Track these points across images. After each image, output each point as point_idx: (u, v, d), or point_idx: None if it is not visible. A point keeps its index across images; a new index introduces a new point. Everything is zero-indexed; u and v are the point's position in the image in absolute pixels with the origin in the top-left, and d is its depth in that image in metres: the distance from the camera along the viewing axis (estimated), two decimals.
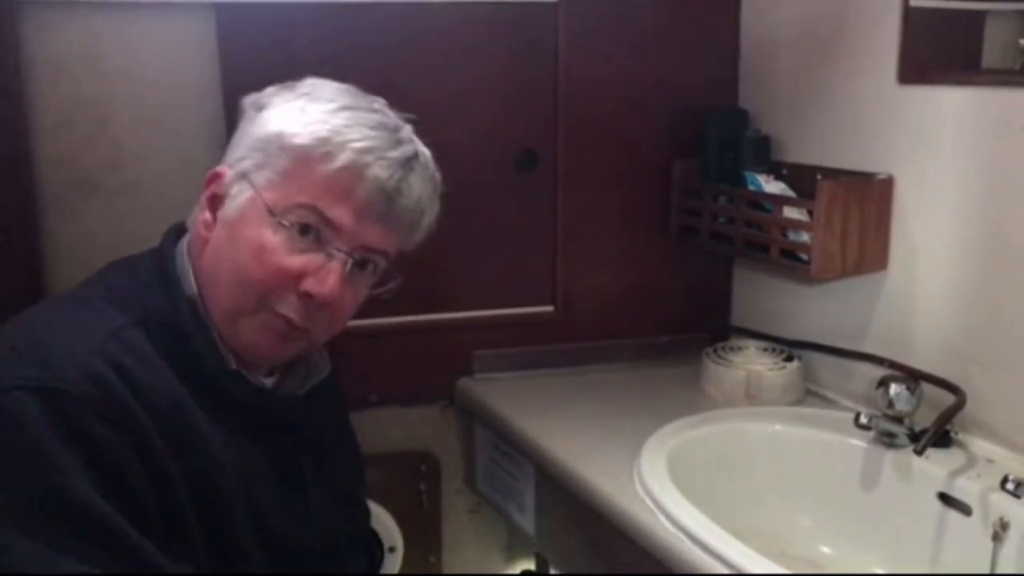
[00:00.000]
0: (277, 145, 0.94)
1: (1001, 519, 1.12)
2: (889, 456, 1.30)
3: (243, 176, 0.96)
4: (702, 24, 1.65)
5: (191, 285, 0.97)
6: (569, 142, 1.59)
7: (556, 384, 1.61)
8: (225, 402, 0.95)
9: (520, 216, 1.61)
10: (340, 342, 1.08)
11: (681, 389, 1.57)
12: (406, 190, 0.97)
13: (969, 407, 1.25)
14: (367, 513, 1.26)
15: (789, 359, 1.54)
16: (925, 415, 1.27)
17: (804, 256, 1.41)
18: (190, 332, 0.94)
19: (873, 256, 1.41)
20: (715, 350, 1.58)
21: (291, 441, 1.05)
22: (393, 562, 1.56)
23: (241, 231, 0.95)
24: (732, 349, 1.59)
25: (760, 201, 1.50)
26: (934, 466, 1.24)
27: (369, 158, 0.94)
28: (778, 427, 1.41)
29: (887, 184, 1.39)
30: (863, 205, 1.38)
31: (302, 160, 0.94)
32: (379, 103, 1.01)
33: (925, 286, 1.37)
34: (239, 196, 0.96)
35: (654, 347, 1.72)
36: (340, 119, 0.95)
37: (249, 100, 1.01)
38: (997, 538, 1.13)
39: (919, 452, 1.21)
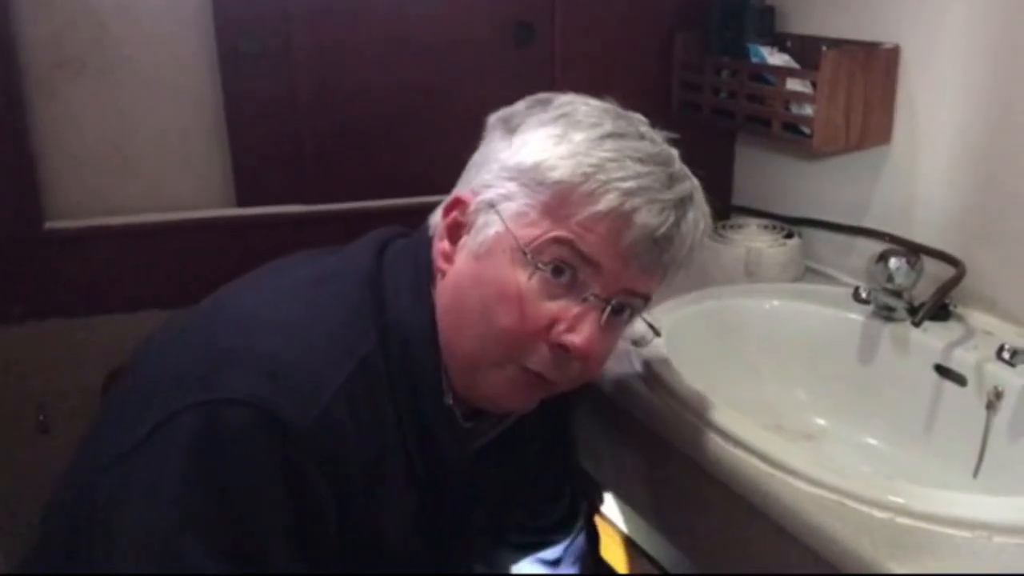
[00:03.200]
0: (532, 178, 0.82)
1: (995, 388, 1.13)
2: (887, 329, 1.30)
3: (491, 206, 0.83)
4: None
5: (429, 313, 0.86)
6: (568, 15, 1.54)
7: None
8: (424, 444, 0.86)
9: (517, 93, 1.56)
10: None
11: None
12: (678, 238, 0.84)
13: (968, 280, 1.25)
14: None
15: (789, 236, 1.53)
16: (925, 289, 1.27)
17: (806, 130, 1.38)
18: (424, 359, 0.85)
19: (877, 129, 1.38)
20: (715, 228, 1.57)
21: (470, 485, 0.94)
22: None
23: (487, 269, 0.83)
24: (732, 227, 1.57)
25: (763, 74, 1.46)
26: (932, 338, 1.24)
27: (638, 201, 0.81)
28: (776, 302, 1.41)
29: (893, 54, 1.35)
30: (868, 76, 1.35)
31: (561, 196, 0.81)
32: (644, 125, 0.88)
33: (928, 160, 1.34)
34: (486, 229, 0.83)
35: None
36: (605, 150, 0.81)
37: (497, 118, 0.89)
38: (991, 407, 1.14)
39: (917, 323, 1.21)
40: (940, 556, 0.85)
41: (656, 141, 0.87)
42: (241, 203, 1.47)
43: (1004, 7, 1.20)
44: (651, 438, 1.13)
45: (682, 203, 0.85)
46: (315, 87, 1.44)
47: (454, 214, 0.87)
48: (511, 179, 0.83)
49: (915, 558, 0.84)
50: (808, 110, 1.37)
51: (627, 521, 1.34)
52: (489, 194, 0.84)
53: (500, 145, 0.86)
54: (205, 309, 0.85)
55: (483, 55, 1.52)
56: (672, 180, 0.84)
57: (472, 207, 0.85)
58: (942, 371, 1.22)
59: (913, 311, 1.27)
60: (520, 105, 0.89)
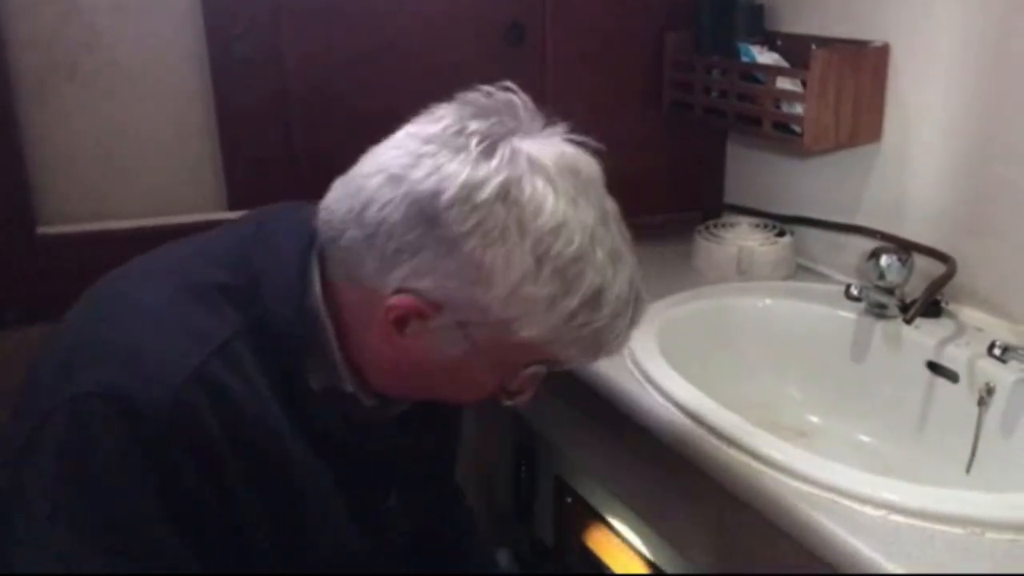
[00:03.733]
0: (512, 330, 0.77)
1: (987, 384, 1.14)
2: (879, 327, 1.31)
3: (460, 327, 0.78)
4: None
5: (316, 297, 0.82)
6: (558, 14, 1.55)
7: None
8: (321, 423, 0.85)
9: None
10: None
11: (673, 267, 1.57)
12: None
13: (960, 277, 1.26)
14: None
15: (781, 234, 1.54)
16: (917, 287, 1.28)
17: (797, 128, 1.39)
18: (303, 348, 0.82)
19: (867, 127, 1.39)
20: (707, 227, 1.58)
21: (386, 455, 0.94)
22: None
23: (452, 371, 0.82)
24: (724, 226, 1.58)
25: (754, 73, 1.46)
26: (923, 335, 1.25)
27: (617, 342, 0.81)
28: (768, 301, 1.41)
29: (882, 52, 1.36)
30: (857, 74, 1.35)
31: (538, 345, 0.78)
32: (610, 205, 0.81)
33: (919, 157, 1.35)
34: (452, 347, 0.79)
35: (647, 226, 1.70)
36: (601, 317, 0.77)
37: (452, 215, 0.74)
38: (983, 403, 1.15)
39: (908, 320, 1.22)
40: (934, 553, 0.85)
41: (627, 239, 0.82)
42: (232, 206, 1.47)
43: (992, 4, 1.21)
44: (644, 437, 1.14)
45: (639, 313, 0.82)
46: (306, 90, 1.44)
47: (403, 313, 0.78)
48: (482, 310, 0.76)
49: (909, 555, 0.85)
50: (798, 108, 1.38)
51: (622, 521, 1.34)
52: (455, 315, 0.77)
53: (462, 263, 0.75)
54: (81, 298, 0.85)
55: (474, 55, 1.52)
56: (639, 305, 0.82)
57: (433, 322, 0.78)
58: (934, 368, 1.23)
59: (905, 308, 1.27)
60: (480, 199, 0.74)
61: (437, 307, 0.77)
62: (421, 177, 0.74)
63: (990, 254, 1.26)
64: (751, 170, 1.67)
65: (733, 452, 1.01)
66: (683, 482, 1.10)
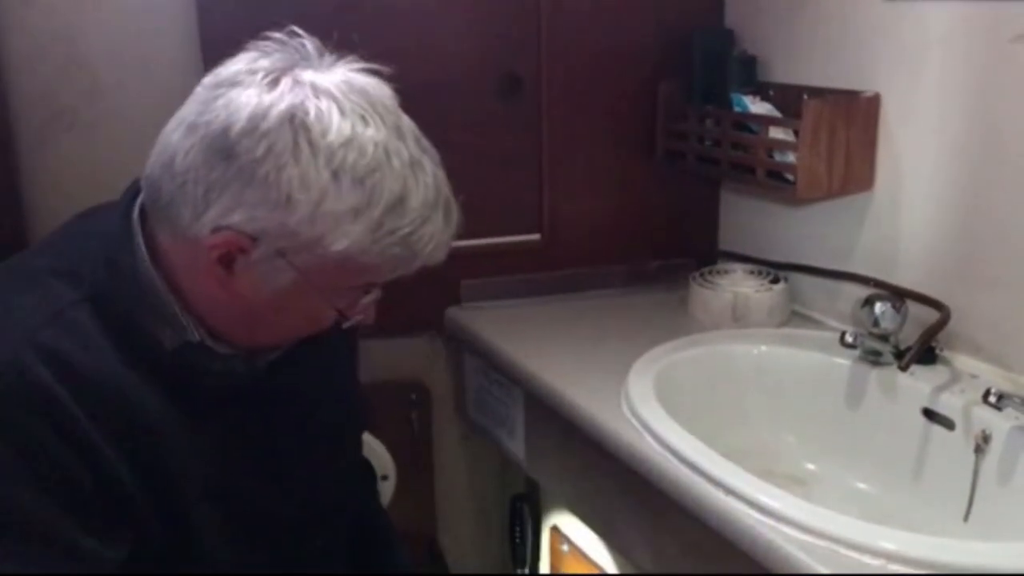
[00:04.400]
0: (325, 247, 0.80)
1: (983, 432, 1.14)
2: (874, 374, 1.31)
3: (280, 255, 0.81)
4: None
5: (143, 257, 0.85)
6: (554, 66, 1.57)
7: (544, 311, 1.61)
8: (185, 380, 0.88)
9: (505, 143, 1.60)
10: None
11: (669, 313, 1.57)
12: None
13: (953, 323, 1.26)
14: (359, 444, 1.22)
15: (775, 281, 1.55)
16: (911, 333, 1.28)
17: (790, 177, 1.40)
18: (143, 309, 0.85)
19: (859, 176, 1.40)
20: (702, 274, 1.59)
21: (263, 408, 0.96)
22: (386, 490, 1.58)
23: (285, 305, 0.85)
24: (719, 272, 1.59)
25: (746, 123, 1.48)
26: (919, 382, 1.25)
27: (430, 248, 0.85)
28: (764, 348, 1.42)
29: (873, 102, 1.38)
30: (849, 124, 1.37)
31: (359, 261, 0.82)
32: (406, 122, 0.85)
33: (911, 205, 1.36)
34: (277, 276, 0.83)
35: (642, 272, 1.72)
36: (407, 223, 0.81)
37: (244, 146, 0.78)
38: (979, 450, 1.14)
39: (903, 368, 1.22)
40: None
41: (427, 150, 0.85)
42: None
43: (980, 54, 1.23)
44: (641, 485, 1.13)
45: (451, 223, 0.86)
46: None
47: (225, 251, 0.82)
48: (291, 234, 0.80)
49: None
50: (791, 157, 1.39)
51: (618, 569, 1.34)
52: (273, 244, 0.80)
53: (266, 186, 0.78)
54: None
55: (471, 106, 1.54)
56: (449, 211, 0.86)
57: (254, 254, 0.81)
58: (930, 415, 1.23)
59: (900, 355, 1.28)
60: (269, 123, 0.78)
61: (253, 239, 0.80)
62: (212, 119, 0.79)
63: (983, 302, 1.27)
64: (744, 217, 1.69)
65: (731, 500, 1.01)
66: (680, 530, 1.09)
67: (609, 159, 1.66)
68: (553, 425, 1.34)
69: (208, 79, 0.83)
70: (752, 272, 1.58)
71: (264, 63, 0.81)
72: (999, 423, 1.13)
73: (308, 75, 0.80)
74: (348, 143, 0.78)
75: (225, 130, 0.78)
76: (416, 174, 0.82)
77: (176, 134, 0.81)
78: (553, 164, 1.62)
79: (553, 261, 1.67)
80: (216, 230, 0.80)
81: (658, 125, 1.64)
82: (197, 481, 0.89)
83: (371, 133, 0.79)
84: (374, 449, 1.56)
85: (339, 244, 0.80)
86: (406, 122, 0.84)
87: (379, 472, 1.56)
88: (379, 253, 0.82)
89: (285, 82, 0.79)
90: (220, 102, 0.79)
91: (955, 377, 1.25)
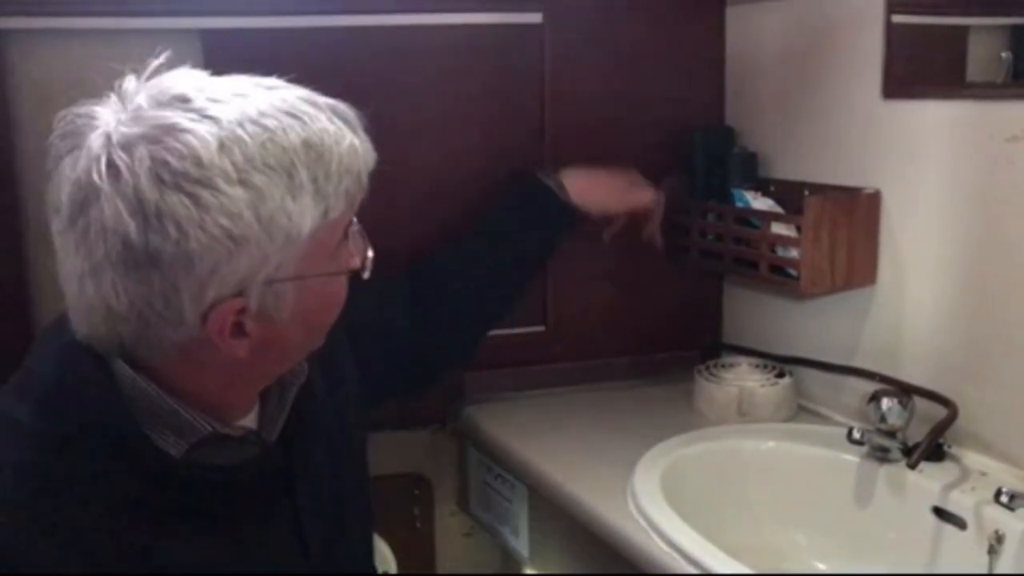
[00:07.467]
0: (285, 240, 0.78)
1: (996, 532, 1.12)
2: (883, 471, 1.29)
3: (268, 284, 0.79)
4: (686, 42, 1.66)
5: (127, 379, 0.81)
6: (556, 162, 1.59)
7: (548, 405, 1.60)
8: (202, 479, 0.84)
9: None
10: None
11: (674, 407, 1.56)
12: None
13: (961, 420, 1.25)
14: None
15: (781, 375, 1.54)
16: (918, 429, 1.27)
17: (793, 272, 1.41)
18: (144, 424, 0.81)
19: (862, 270, 1.41)
20: (707, 367, 1.58)
21: (285, 489, 0.93)
22: None
23: (305, 311, 0.83)
24: (724, 366, 1.58)
25: (748, 218, 1.50)
26: (928, 480, 1.24)
27: (361, 155, 0.83)
28: (771, 443, 1.40)
29: (874, 198, 1.40)
30: (850, 220, 1.38)
31: (322, 224, 0.81)
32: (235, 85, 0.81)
33: (914, 300, 1.37)
34: (283, 300, 0.81)
35: (646, 365, 1.72)
36: (332, 174, 0.80)
37: (152, 242, 0.73)
38: (993, 551, 1.12)
39: (912, 466, 1.21)
40: None
41: (286, 99, 0.80)
42: None
43: (978, 152, 1.25)
44: None
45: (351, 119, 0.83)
46: None
47: (229, 323, 0.79)
48: (264, 258, 0.77)
49: None
50: (794, 253, 1.40)
51: None
52: (259, 285, 0.78)
53: (182, 261, 0.74)
54: None
55: (474, 201, 1.56)
56: (342, 116, 0.82)
57: (252, 303, 0.78)
58: (941, 514, 1.21)
59: (907, 451, 1.26)
60: (107, 206, 0.73)
61: (240, 294, 0.77)
62: (105, 248, 0.74)
63: (991, 399, 1.26)
64: (748, 311, 1.69)
65: None
66: None
67: (612, 253, 1.67)
68: (558, 522, 1.32)
69: (58, 223, 0.77)
70: (757, 366, 1.57)
71: (67, 168, 0.76)
72: (1013, 523, 1.11)
73: (99, 135, 0.76)
74: (221, 147, 0.74)
75: (127, 245, 0.73)
76: (296, 118, 0.78)
77: (88, 287, 0.76)
78: (556, 257, 1.63)
79: (557, 354, 1.67)
80: (205, 318, 0.77)
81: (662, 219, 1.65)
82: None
83: (218, 122, 0.75)
84: (375, 545, 1.53)
85: (306, 225, 0.78)
86: (235, 84, 0.80)
87: (380, 568, 1.53)
88: (335, 199, 0.80)
89: (118, 157, 0.73)
90: (92, 230, 0.74)
91: (964, 475, 1.24)
